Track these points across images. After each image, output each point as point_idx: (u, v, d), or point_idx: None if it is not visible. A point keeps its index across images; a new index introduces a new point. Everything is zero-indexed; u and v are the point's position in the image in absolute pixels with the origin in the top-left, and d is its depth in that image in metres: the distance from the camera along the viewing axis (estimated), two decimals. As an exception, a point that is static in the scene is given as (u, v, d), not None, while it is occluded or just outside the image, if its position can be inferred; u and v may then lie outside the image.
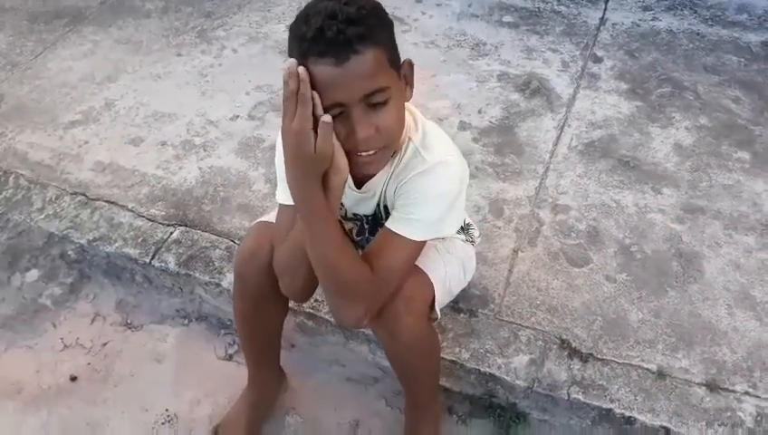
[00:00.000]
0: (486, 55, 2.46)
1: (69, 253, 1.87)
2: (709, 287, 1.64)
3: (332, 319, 1.58)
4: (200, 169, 2.05)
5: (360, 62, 1.03)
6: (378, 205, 1.29)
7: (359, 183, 1.27)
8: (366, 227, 1.37)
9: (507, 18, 2.65)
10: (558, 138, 2.10)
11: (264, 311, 1.43)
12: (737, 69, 2.33)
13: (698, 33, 2.50)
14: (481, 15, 2.67)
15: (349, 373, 1.66)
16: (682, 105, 2.19)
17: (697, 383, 1.45)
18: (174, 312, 1.82)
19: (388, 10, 1.12)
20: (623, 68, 2.36)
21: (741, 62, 2.36)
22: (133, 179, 2.01)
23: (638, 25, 2.56)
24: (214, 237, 1.82)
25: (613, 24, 2.58)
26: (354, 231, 1.40)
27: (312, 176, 1.10)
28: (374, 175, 1.24)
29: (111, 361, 1.71)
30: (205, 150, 2.12)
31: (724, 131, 2.08)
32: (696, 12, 2.61)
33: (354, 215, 1.35)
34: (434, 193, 1.19)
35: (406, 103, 1.20)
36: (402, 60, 1.14)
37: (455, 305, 1.59)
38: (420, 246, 1.22)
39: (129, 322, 1.80)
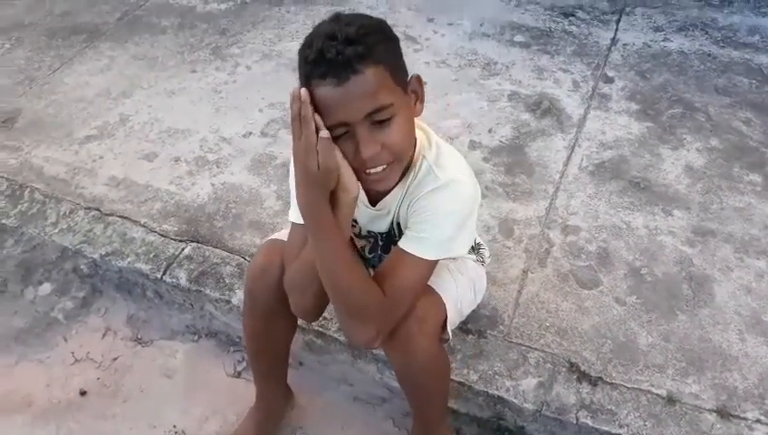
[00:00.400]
0: (497, 75, 2.47)
1: (81, 267, 1.89)
2: (720, 312, 1.63)
3: (343, 338, 1.59)
4: (213, 185, 2.07)
5: (360, 82, 1.05)
6: (392, 223, 1.30)
7: (373, 201, 1.28)
8: (379, 244, 1.38)
9: (518, 38, 2.66)
10: (568, 158, 2.10)
11: (273, 328, 1.44)
12: (749, 91, 2.32)
13: (710, 55, 2.51)
14: (492, 35, 2.69)
15: (356, 393, 1.66)
16: (693, 126, 2.19)
17: (708, 410, 1.43)
18: (184, 328, 1.83)
19: (400, 29, 1.14)
20: (634, 89, 2.37)
21: (752, 84, 2.35)
22: (146, 195, 2.04)
23: (650, 46, 2.57)
24: (225, 254, 1.83)
25: (624, 45, 2.59)
26: (367, 248, 1.41)
27: (319, 193, 1.12)
28: (388, 192, 1.25)
29: (121, 376, 1.72)
30: (218, 167, 2.14)
31: (736, 153, 2.08)
32: (707, 33, 2.62)
33: (368, 232, 1.36)
34: (444, 211, 1.19)
35: (419, 122, 1.21)
36: (410, 75, 1.15)
37: (464, 326, 1.58)
38: (432, 265, 1.22)
39: (139, 337, 1.81)
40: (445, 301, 1.33)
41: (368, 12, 2.65)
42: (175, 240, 1.88)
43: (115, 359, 1.76)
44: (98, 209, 1.99)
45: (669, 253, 1.78)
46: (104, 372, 1.73)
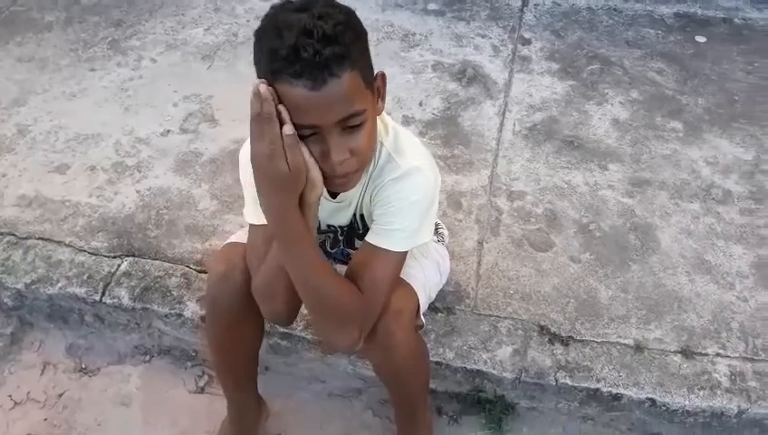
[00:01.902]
0: (417, 46, 2.44)
1: (5, 300, 1.70)
2: (667, 257, 1.71)
3: (311, 336, 1.53)
4: (138, 192, 1.92)
5: (337, 86, 0.96)
6: (354, 214, 1.25)
7: (333, 192, 1.22)
8: (341, 238, 1.33)
9: (432, 6, 2.64)
10: (501, 124, 2.11)
11: (239, 336, 1.35)
12: (656, 42, 2.43)
13: (615, 9, 2.59)
14: (405, 5, 2.65)
15: (330, 389, 1.62)
16: (612, 81, 2.27)
17: (673, 352, 1.50)
18: (132, 349, 1.70)
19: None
20: (552, 48, 2.41)
21: (659, 34, 2.46)
22: (65, 211, 1.85)
23: (559, 5, 2.62)
24: (167, 265, 1.70)
25: (535, 5, 2.62)
26: (328, 243, 1.35)
27: (289, 197, 1.04)
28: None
29: (71, 412, 1.58)
30: (139, 171, 1.98)
31: (655, 103, 2.17)
32: (610, -13, 2.70)
33: (328, 226, 1.31)
34: (409, 201, 1.15)
35: None
36: (375, 72, 1.08)
37: (432, 306, 1.56)
38: (403, 257, 1.19)
39: (83, 366, 1.66)
40: (415, 288, 1.30)
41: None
42: (108, 257, 1.73)
43: (61, 395, 1.61)
44: (12, 234, 1.79)
45: (612, 206, 1.84)
46: (51, 410, 1.58)
